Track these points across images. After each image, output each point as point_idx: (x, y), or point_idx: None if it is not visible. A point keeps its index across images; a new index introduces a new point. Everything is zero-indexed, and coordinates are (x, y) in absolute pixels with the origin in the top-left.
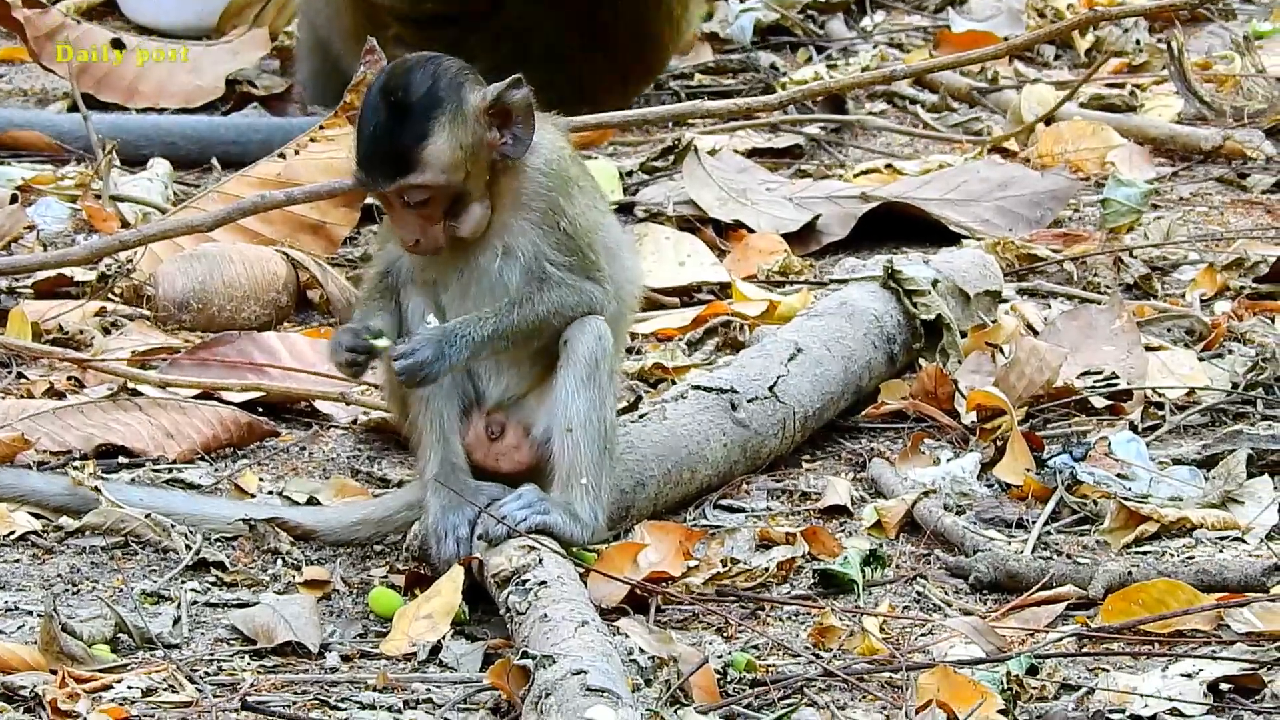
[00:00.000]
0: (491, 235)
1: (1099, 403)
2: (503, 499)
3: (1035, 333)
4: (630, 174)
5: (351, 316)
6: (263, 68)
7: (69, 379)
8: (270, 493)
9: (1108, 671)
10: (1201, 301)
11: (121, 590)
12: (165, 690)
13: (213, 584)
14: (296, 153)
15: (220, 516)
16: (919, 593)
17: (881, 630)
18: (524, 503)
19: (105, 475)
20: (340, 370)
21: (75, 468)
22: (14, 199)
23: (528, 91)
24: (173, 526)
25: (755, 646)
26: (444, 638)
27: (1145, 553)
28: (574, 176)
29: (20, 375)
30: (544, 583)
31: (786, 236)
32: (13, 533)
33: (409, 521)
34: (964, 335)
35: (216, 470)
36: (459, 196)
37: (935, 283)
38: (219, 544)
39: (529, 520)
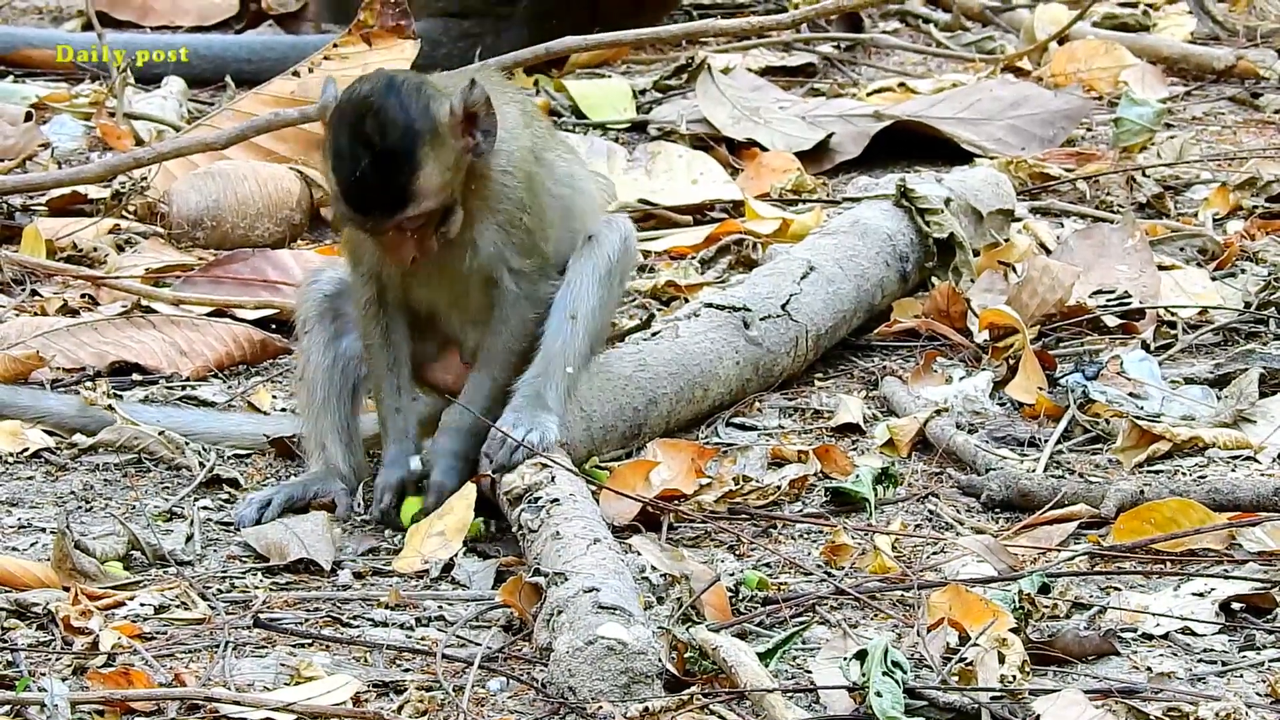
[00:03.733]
0: (462, 233)
1: (1111, 321)
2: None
3: (1048, 251)
4: (643, 92)
5: (387, 447)
6: None
7: (83, 297)
8: (284, 410)
9: (1119, 590)
10: (1214, 221)
11: (134, 507)
12: (177, 607)
13: (226, 501)
14: (310, 70)
15: (238, 433)
16: (931, 511)
17: (893, 548)
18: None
19: (118, 393)
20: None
21: (88, 387)
22: (29, 117)
23: (482, 88)
24: (186, 444)
25: (767, 564)
26: (456, 555)
27: (1157, 472)
28: (534, 172)
29: (34, 293)
30: (556, 500)
31: (799, 155)
32: (26, 449)
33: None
34: (976, 254)
35: (230, 388)
36: (447, 209)
37: (948, 201)
38: (232, 461)
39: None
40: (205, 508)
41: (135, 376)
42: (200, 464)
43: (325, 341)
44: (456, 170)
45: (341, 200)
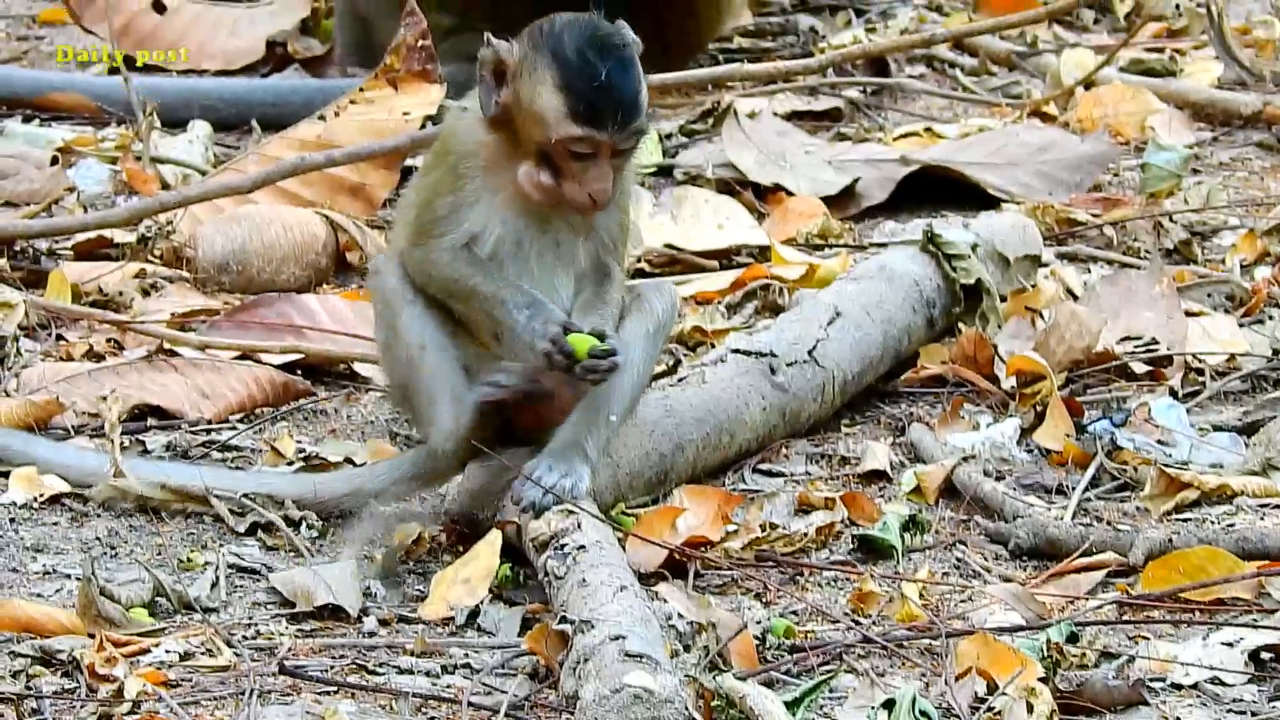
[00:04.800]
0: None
1: (1139, 368)
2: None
3: (1075, 297)
4: (669, 136)
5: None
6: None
7: (108, 341)
8: (304, 454)
9: (1148, 639)
10: (1242, 267)
11: (160, 554)
12: (203, 654)
13: (253, 549)
14: (336, 114)
15: (221, 488)
16: (958, 559)
17: (921, 596)
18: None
19: (139, 437)
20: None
21: (99, 433)
22: (55, 161)
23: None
24: (208, 492)
25: (794, 612)
26: (482, 602)
27: (1186, 520)
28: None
29: (60, 337)
30: (582, 547)
31: (826, 200)
32: (45, 494)
33: (402, 494)
34: (1004, 300)
35: (255, 432)
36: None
37: (975, 247)
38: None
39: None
40: (232, 554)
41: (153, 421)
42: (232, 511)
43: (422, 310)
44: None
45: (578, 114)
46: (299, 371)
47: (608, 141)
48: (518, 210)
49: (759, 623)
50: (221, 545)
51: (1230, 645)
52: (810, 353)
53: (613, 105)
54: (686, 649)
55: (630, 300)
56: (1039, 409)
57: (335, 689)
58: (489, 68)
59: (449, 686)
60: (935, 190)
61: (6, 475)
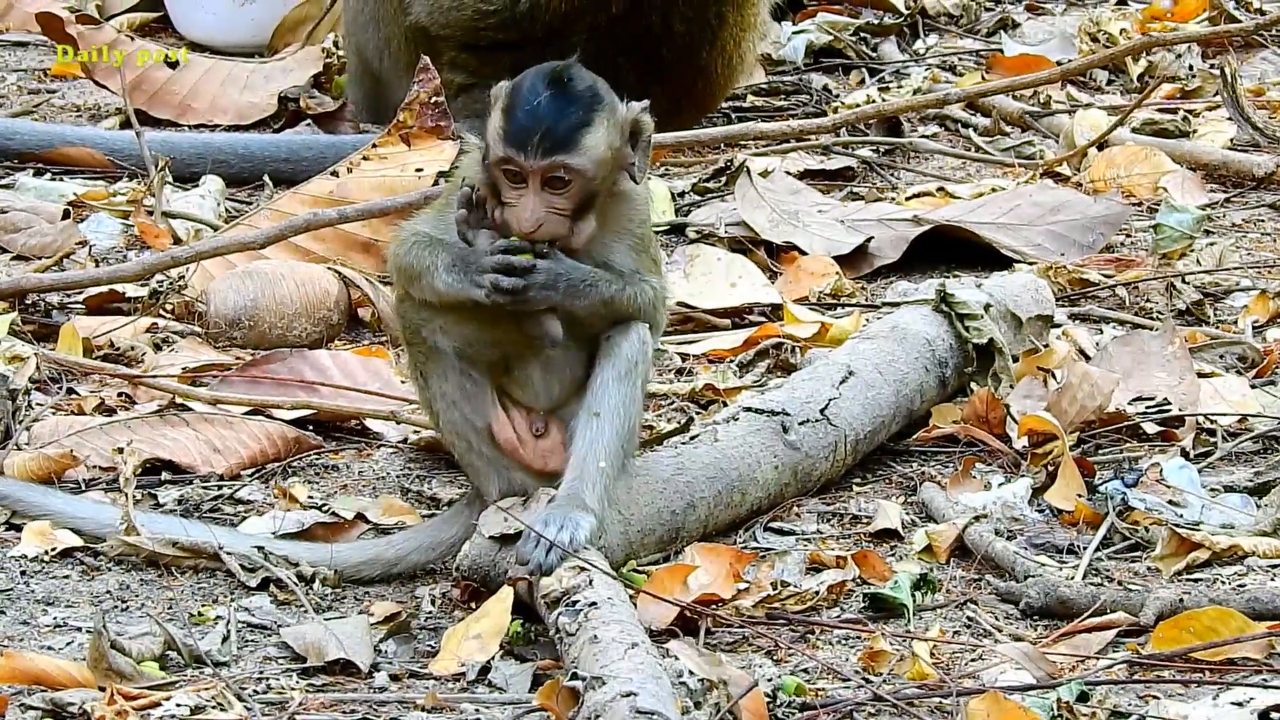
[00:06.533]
0: (592, 253)
1: (1151, 429)
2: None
3: (1087, 358)
4: (682, 195)
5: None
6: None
7: (120, 396)
8: (321, 507)
9: (1158, 699)
10: (1254, 328)
11: (171, 608)
12: (214, 708)
13: (265, 603)
14: (349, 171)
15: (235, 549)
16: (969, 618)
17: (932, 655)
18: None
19: (151, 491)
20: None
21: (112, 487)
22: (66, 215)
23: (652, 121)
24: (220, 549)
25: (805, 670)
26: (493, 658)
27: (1197, 580)
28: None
29: (71, 391)
30: (594, 604)
31: (838, 259)
32: (55, 548)
33: (420, 563)
34: (1016, 360)
35: (267, 488)
36: (585, 202)
37: (987, 307)
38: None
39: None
40: (244, 608)
41: (166, 475)
42: (243, 566)
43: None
44: (612, 165)
45: (506, 134)
46: (310, 427)
47: (529, 166)
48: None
49: (770, 680)
50: (233, 600)
51: (1240, 705)
52: (823, 411)
53: (538, 130)
54: (698, 706)
55: (601, 345)
56: (1051, 469)
57: None
58: (493, 103)
59: None
60: (948, 250)
61: (19, 528)
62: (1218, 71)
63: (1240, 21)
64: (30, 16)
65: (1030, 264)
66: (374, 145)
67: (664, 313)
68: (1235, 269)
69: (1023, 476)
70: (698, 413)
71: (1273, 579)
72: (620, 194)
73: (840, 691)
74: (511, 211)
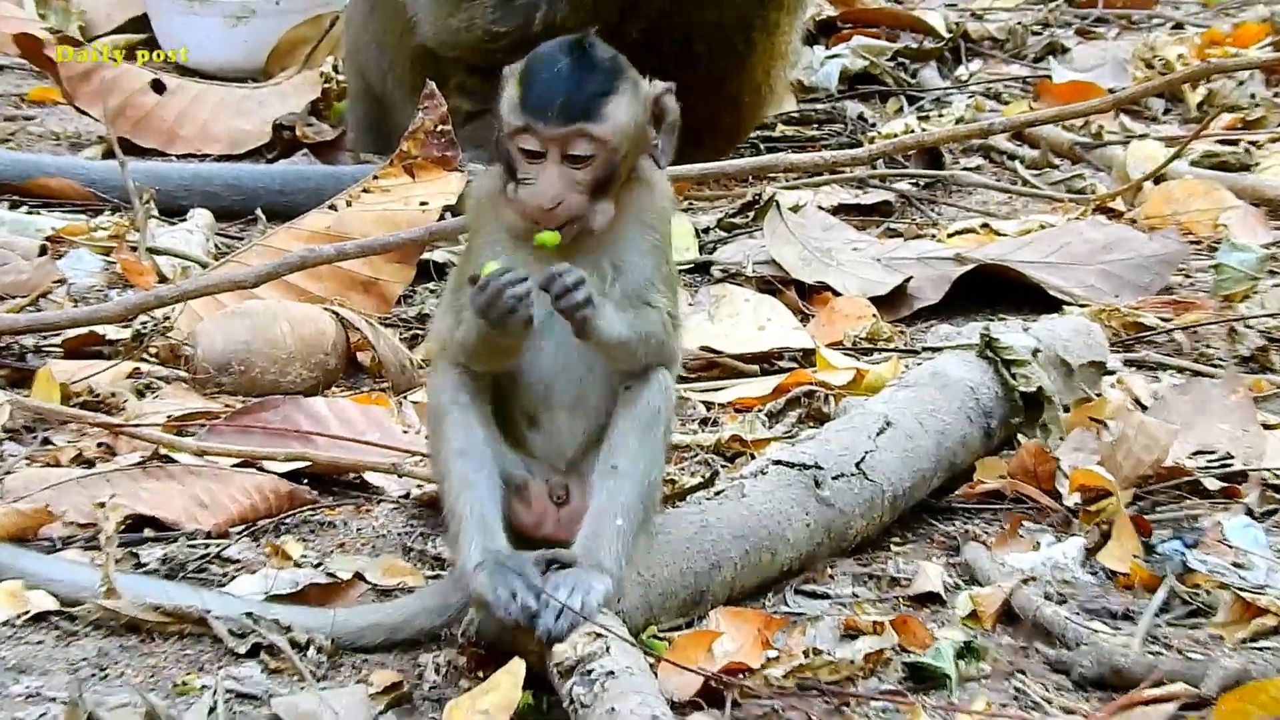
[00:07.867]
0: (606, 247)
1: (1212, 484)
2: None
3: (1143, 408)
4: (707, 231)
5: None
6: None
7: (99, 446)
8: (316, 567)
9: None
10: None
11: (153, 676)
12: None
13: (254, 671)
14: (348, 204)
15: (224, 613)
16: (1017, 689)
17: None
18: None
19: (133, 550)
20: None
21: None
22: (43, 251)
23: (678, 106)
24: (207, 613)
25: None
26: None
27: (1262, 648)
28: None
29: (47, 441)
30: (611, 673)
31: (875, 300)
32: (29, 611)
33: (424, 629)
34: (1066, 409)
35: (258, 546)
36: (607, 179)
37: (1036, 352)
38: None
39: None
40: (231, 677)
41: (149, 532)
42: (231, 633)
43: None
44: (635, 141)
45: (524, 102)
46: (305, 480)
47: (549, 134)
48: (525, 247)
49: None
50: (220, 667)
51: None
52: (858, 465)
53: (559, 95)
54: None
55: (621, 391)
56: (1104, 527)
57: None
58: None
59: None
60: (992, 291)
61: None
62: None
63: None
64: (8, 38)
65: (1081, 306)
66: (375, 177)
67: (677, 340)
68: None
69: (1074, 536)
70: (723, 466)
71: None
72: (641, 180)
73: None
74: (529, 190)
